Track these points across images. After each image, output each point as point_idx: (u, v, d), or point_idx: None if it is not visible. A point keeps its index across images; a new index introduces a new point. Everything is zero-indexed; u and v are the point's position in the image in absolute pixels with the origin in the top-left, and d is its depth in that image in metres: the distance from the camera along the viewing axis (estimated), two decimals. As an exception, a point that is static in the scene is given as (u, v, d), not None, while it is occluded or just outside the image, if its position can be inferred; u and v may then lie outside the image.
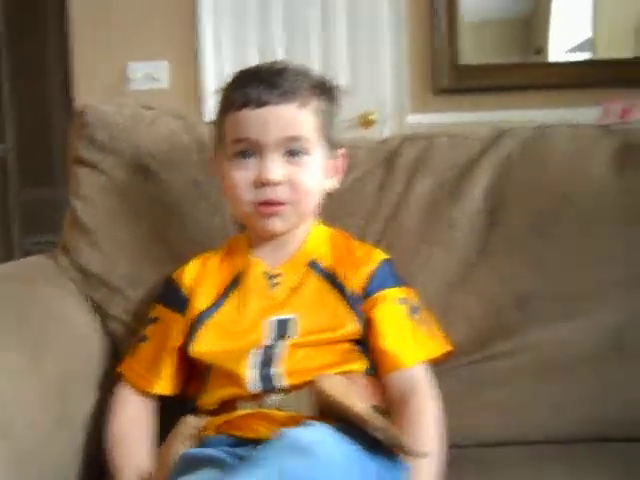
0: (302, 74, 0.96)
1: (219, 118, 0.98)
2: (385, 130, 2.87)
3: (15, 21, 4.18)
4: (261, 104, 0.92)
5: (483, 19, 2.92)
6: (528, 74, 2.70)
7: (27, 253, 4.21)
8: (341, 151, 1.03)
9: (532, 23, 2.82)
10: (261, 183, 0.93)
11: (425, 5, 2.85)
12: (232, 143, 0.95)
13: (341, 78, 2.82)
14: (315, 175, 0.96)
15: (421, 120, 2.85)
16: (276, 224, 0.96)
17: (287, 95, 0.92)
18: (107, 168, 1.14)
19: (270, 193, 0.93)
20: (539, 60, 2.77)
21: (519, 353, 1.02)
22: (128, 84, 2.89)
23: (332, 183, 1.02)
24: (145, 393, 0.97)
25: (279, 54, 2.86)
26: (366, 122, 2.84)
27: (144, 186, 1.13)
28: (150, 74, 2.88)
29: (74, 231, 1.14)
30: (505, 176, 1.09)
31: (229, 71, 1.00)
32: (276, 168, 0.92)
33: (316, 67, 3.02)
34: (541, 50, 2.80)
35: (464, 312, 1.04)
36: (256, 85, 0.93)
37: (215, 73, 2.78)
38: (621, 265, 1.04)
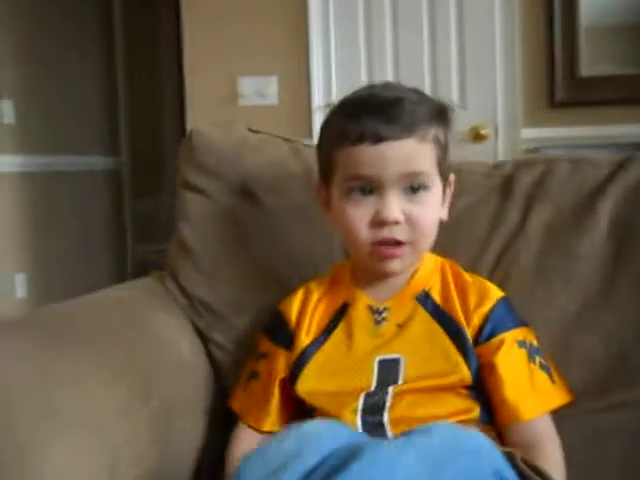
0: (419, 103, 0.90)
1: (329, 149, 0.92)
2: (498, 145, 2.78)
3: (133, 39, 4.34)
4: (379, 139, 0.86)
5: (605, 25, 2.75)
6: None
7: (138, 261, 4.39)
8: (451, 177, 0.97)
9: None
10: (380, 222, 0.87)
11: (541, 10, 2.74)
12: (346, 180, 0.89)
13: (451, 90, 2.76)
14: (435, 211, 0.91)
15: (536, 134, 2.74)
16: (395, 266, 0.90)
17: (407, 129, 0.87)
18: (213, 193, 1.13)
19: (388, 233, 0.88)
20: (666, 70, 2.62)
21: (647, 403, 0.94)
22: (238, 99, 2.93)
23: (444, 213, 0.97)
24: (258, 430, 0.95)
25: (388, 67, 2.83)
26: (477, 136, 2.76)
27: (249, 211, 1.12)
28: (259, 90, 2.90)
29: (180, 255, 1.14)
30: (635, 205, 1.00)
31: (339, 88, 0.95)
32: (396, 206, 0.87)
33: (426, 79, 3.00)
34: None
35: (585, 355, 0.96)
36: (373, 118, 0.86)
37: (324, 89, 2.77)
38: None
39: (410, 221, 0.88)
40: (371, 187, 0.88)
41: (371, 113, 0.87)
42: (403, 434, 0.69)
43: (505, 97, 2.75)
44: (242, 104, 2.92)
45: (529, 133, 2.73)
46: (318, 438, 0.69)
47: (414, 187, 0.88)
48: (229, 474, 0.90)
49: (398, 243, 0.88)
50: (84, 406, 0.78)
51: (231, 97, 2.92)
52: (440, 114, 0.92)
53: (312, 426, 0.72)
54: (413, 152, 0.87)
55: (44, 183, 3.70)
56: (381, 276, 0.94)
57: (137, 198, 4.50)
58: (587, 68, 2.69)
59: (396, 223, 0.87)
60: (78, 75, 3.96)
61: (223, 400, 1.01)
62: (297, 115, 2.81)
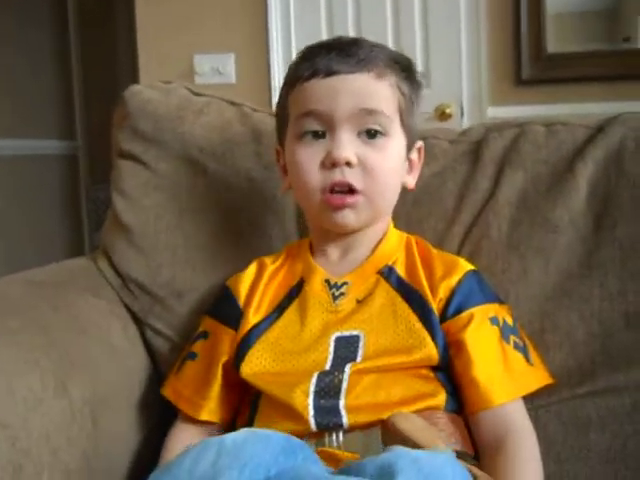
0: (379, 47, 0.83)
1: (283, 99, 0.86)
2: (463, 124, 2.72)
3: (85, 20, 4.21)
4: (331, 73, 0.79)
5: (570, 11, 2.73)
6: (619, 63, 2.51)
7: (97, 248, 4.26)
8: (419, 145, 0.88)
9: (619, 14, 2.63)
10: (331, 163, 0.79)
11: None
12: (298, 119, 0.82)
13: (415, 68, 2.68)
14: (394, 162, 0.82)
15: (501, 113, 2.68)
16: (348, 217, 0.81)
17: (362, 64, 0.79)
18: (151, 161, 1.01)
19: (340, 175, 0.79)
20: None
21: (632, 388, 0.84)
22: (194, 77, 2.83)
23: (411, 181, 0.87)
24: (195, 420, 0.84)
25: (350, 44, 2.73)
26: (442, 115, 2.69)
27: (192, 181, 1.01)
28: (216, 68, 2.81)
29: (114, 230, 1.02)
30: (616, 171, 0.91)
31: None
32: (348, 146, 0.78)
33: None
34: (629, 38, 2.58)
35: (564, 335, 0.86)
36: (326, 54, 0.80)
37: (284, 67, 2.67)
38: None
39: (364, 167, 0.79)
40: (324, 130, 0.80)
41: (325, 50, 0.81)
42: (358, 467, 0.58)
43: (470, 75, 2.69)
44: (199, 82, 2.81)
45: (495, 112, 2.66)
46: (242, 457, 0.57)
47: (371, 131, 0.80)
48: None
49: (351, 191, 0.79)
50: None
51: (187, 75, 2.81)
52: (403, 64, 0.84)
53: (236, 440, 0.60)
54: (368, 88, 0.80)
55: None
56: (338, 245, 0.85)
57: (95, 184, 4.34)
58: (553, 45, 2.63)
59: (348, 165, 0.79)
60: (30, 57, 3.79)
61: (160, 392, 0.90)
62: (256, 93, 2.71)
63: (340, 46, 0.81)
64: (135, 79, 3.09)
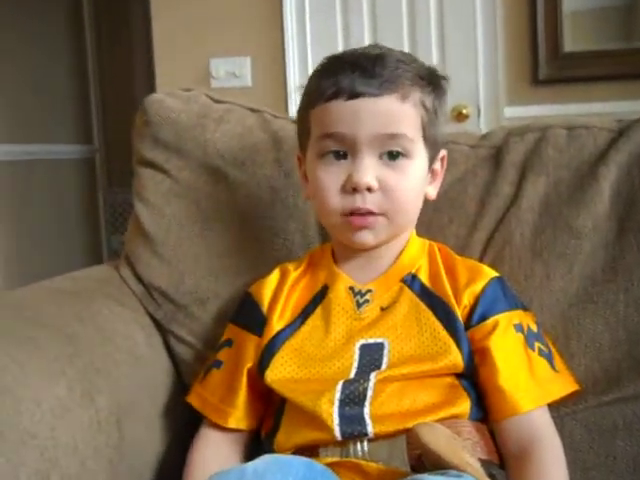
0: (405, 62, 0.81)
1: (304, 111, 0.85)
2: (480, 124, 2.71)
3: (101, 24, 4.23)
4: (355, 95, 0.77)
5: (584, 8, 2.71)
6: (637, 61, 2.47)
7: (115, 252, 4.28)
8: (442, 154, 0.87)
9: (636, 11, 2.58)
10: (351, 188, 0.78)
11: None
12: (319, 139, 0.81)
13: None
14: (415, 183, 0.81)
15: (518, 113, 2.66)
16: (366, 238, 0.81)
17: (386, 85, 0.78)
18: (173, 169, 1.02)
19: (361, 202, 0.78)
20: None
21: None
22: (210, 81, 2.84)
23: (431, 192, 0.87)
24: (222, 427, 0.84)
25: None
26: (459, 116, 2.68)
27: (214, 189, 1.01)
28: (232, 71, 2.81)
29: (137, 238, 1.02)
30: (638, 174, 0.90)
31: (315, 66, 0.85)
32: (369, 171, 0.78)
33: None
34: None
35: (589, 342, 0.86)
36: (350, 73, 0.78)
37: (300, 70, 2.67)
38: None
39: (385, 190, 0.79)
40: (345, 150, 0.79)
41: (349, 68, 0.79)
42: None
43: (487, 75, 2.67)
44: (215, 86, 2.82)
45: (512, 112, 2.64)
46: None
47: (392, 153, 0.79)
48: None
49: (370, 213, 0.79)
50: (9, 411, 0.67)
51: (203, 79, 2.81)
52: (429, 77, 0.83)
53: (257, 468, 0.60)
54: (392, 111, 0.78)
55: (14, 171, 3.56)
56: (361, 255, 0.85)
57: (112, 187, 4.37)
58: (570, 44, 2.61)
59: (369, 190, 0.78)
60: (48, 64, 3.82)
61: (185, 400, 0.90)
62: (272, 97, 2.71)
63: (365, 63, 0.79)
64: (151, 83, 3.10)
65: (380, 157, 0.79)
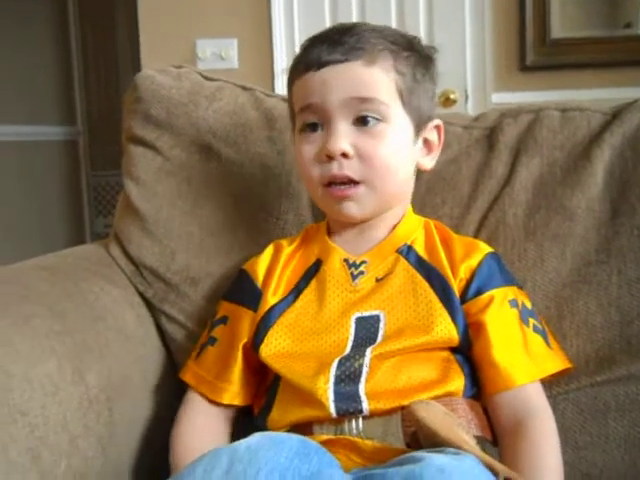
0: (377, 30, 0.82)
1: (288, 91, 0.86)
2: (468, 110, 2.71)
3: (85, 5, 4.18)
4: (323, 64, 0.79)
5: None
6: (626, 49, 2.48)
7: (98, 235, 4.24)
8: (435, 122, 0.86)
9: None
10: (326, 156, 0.78)
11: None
12: (298, 114, 0.82)
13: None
14: (395, 148, 0.80)
15: (506, 99, 2.66)
16: (350, 209, 0.81)
17: (352, 52, 0.78)
18: (164, 147, 1.00)
19: (337, 168, 0.78)
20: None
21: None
22: (197, 63, 2.81)
23: (428, 162, 0.86)
24: (215, 403, 0.83)
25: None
26: (447, 101, 2.67)
27: (205, 166, 1.00)
28: (219, 53, 2.79)
29: (127, 217, 1.01)
30: (633, 158, 0.90)
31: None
32: (342, 136, 0.78)
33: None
34: (630, 25, 2.56)
35: (582, 322, 0.86)
36: (319, 45, 0.80)
37: (287, 52, 2.65)
38: None
39: (362, 156, 0.78)
40: (321, 122, 0.80)
41: (319, 41, 0.81)
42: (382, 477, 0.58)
43: (475, 61, 2.66)
44: (201, 67, 2.78)
45: (500, 98, 2.64)
46: (256, 462, 0.57)
47: (365, 118, 0.78)
48: (176, 464, 0.78)
49: (351, 182, 0.79)
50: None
51: (189, 60, 2.78)
52: (406, 44, 0.82)
53: (249, 445, 0.59)
54: (359, 75, 0.79)
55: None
56: (355, 227, 0.84)
57: (96, 170, 4.32)
58: (558, 31, 2.61)
59: (344, 156, 0.78)
60: (30, 43, 3.76)
61: (176, 379, 0.89)
62: (259, 78, 2.69)
63: (334, 35, 0.80)
64: (136, 64, 3.06)
65: (354, 123, 0.79)
